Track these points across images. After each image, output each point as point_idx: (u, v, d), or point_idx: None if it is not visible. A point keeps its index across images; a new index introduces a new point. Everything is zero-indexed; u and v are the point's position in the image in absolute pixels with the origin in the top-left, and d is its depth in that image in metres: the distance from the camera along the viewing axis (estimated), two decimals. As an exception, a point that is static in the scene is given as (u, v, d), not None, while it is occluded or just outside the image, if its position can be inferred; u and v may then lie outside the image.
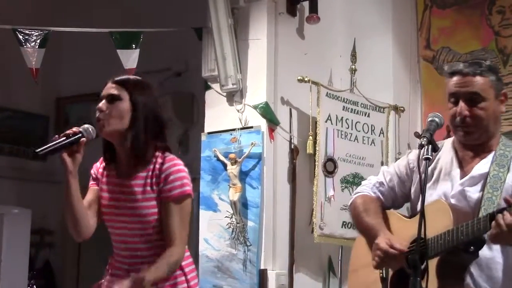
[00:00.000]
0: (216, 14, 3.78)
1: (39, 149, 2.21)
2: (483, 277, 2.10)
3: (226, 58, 3.81)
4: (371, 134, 4.18)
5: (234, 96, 3.93)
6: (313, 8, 4.04)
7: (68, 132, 2.26)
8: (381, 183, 2.42)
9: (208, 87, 4.05)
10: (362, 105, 4.16)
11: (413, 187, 2.35)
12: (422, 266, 1.96)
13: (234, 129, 3.87)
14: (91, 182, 2.45)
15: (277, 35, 3.96)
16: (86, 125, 2.29)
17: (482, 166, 2.18)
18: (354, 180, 3.99)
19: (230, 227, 3.79)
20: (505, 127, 4.08)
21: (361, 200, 2.41)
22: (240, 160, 3.78)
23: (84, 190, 2.42)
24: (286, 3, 4.03)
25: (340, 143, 4.02)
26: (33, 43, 3.94)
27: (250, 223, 3.74)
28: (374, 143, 4.18)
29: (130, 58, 4.02)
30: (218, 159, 3.87)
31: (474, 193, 2.14)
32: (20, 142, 5.96)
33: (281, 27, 3.99)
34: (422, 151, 2.07)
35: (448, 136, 3.75)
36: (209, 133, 3.98)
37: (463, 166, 2.22)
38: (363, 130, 4.15)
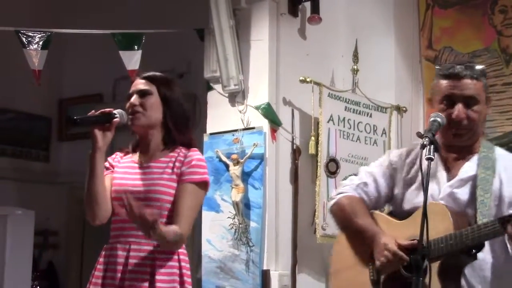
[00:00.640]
0: (217, 15, 3.79)
1: (77, 117, 2.33)
2: (476, 277, 2.12)
3: (228, 59, 3.81)
4: (373, 134, 4.18)
5: (236, 97, 3.93)
6: (315, 8, 4.04)
7: (104, 110, 2.36)
8: (365, 184, 2.38)
9: (210, 88, 4.05)
10: (364, 106, 4.16)
11: (396, 188, 2.34)
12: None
13: (236, 130, 3.87)
14: (105, 172, 2.47)
15: (279, 36, 3.96)
16: (120, 110, 2.39)
17: (469, 168, 2.21)
18: (356, 181, 3.98)
19: (232, 227, 3.80)
20: (507, 127, 4.10)
21: (347, 200, 2.36)
22: (242, 160, 3.78)
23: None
24: (287, 3, 4.03)
25: (342, 144, 4.02)
26: (36, 44, 3.95)
27: (252, 224, 3.74)
28: (376, 143, 4.18)
29: (132, 59, 4.03)
30: (220, 160, 3.88)
31: (463, 195, 2.17)
32: (23, 144, 5.98)
33: (283, 27, 3.99)
34: (424, 151, 2.07)
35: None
36: (211, 134, 3.98)
37: (449, 168, 2.24)
38: (365, 130, 4.15)
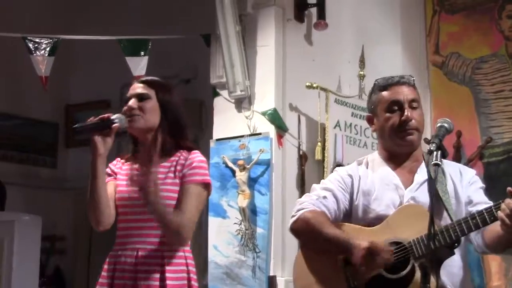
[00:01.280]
0: (224, 21, 3.79)
1: (77, 125, 2.32)
2: (444, 272, 2.16)
3: (234, 65, 3.81)
4: (380, 140, 4.17)
5: (242, 102, 3.93)
6: (321, 14, 4.04)
7: (103, 116, 2.35)
8: (324, 197, 2.36)
9: (217, 94, 4.05)
10: (371, 111, 4.15)
11: (355, 200, 2.36)
12: (405, 271, 2.10)
13: (242, 136, 3.87)
14: (108, 178, 2.48)
15: (285, 42, 3.96)
16: (119, 114, 2.37)
17: (421, 173, 2.31)
18: (363, 186, 3.98)
19: (239, 233, 3.79)
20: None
21: (311, 214, 2.32)
22: (248, 166, 3.78)
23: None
24: (294, 9, 4.04)
25: (349, 149, 4.01)
26: (43, 51, 3.97)
27: (259, 230, 3.73)
28: (383, 149, 4.17)
29: (139, 65, 4.04)
30: (227, 166, 3.87)
31: (423, 198, 2.25)
32: (30, 150, 5.99)
33: (289, 33, 3.99)
34: (431, 156, 2.07)
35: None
36: (217, 139, 3.98)
37: (401, 175, 2.33)
38: (372, 136, 4.14)
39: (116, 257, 2.39)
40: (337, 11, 4.28)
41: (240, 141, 3.87)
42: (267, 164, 3.75)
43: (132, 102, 2.41)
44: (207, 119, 4.83)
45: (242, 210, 3.76)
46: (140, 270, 2.31)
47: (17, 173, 5.81)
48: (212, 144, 3.98)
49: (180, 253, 2.37)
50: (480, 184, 2.35)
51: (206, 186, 2.43)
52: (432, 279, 2.03)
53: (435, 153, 2.03)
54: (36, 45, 3.96)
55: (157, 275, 2.30)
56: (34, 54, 3.96)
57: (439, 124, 2.19)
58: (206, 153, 4.10)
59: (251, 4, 3.93)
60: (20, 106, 5.82)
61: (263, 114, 3.84)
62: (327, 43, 4.23)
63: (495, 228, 2.11)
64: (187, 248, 2.41)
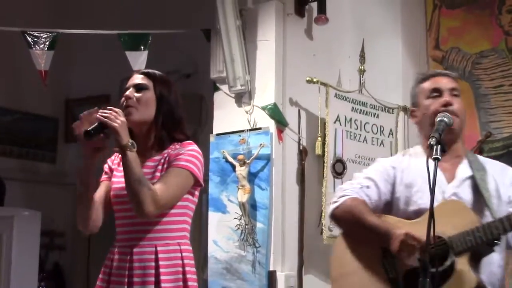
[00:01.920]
0: (224, 16, 3.78)
1: (89, 129, 2.24)
2: (484, 271, 2.16)
3: (234, 60, 3.80)
4: (380, 135, 4.17)
5: (242, 97, 3.92)
6: (322, 9, 4.03)
7: (100, 119, 2.27)
8: (367, 187, 2.38)
9: (217, 89, 4.05)
10: (371, 106, 4.15)
11: (397, 192, 2.35)
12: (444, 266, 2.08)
13: (242, 131, 3.86)
14: (103, 177, 2.48)
15: (286, 36, 3.95)
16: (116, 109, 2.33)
17: (464, 169, 2.31)
18: (363, 181, 3.97)
19: (239, 228, 3.79)
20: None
21: (353, 202, 2.34)
22: (248, 161, 3.77)
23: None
24: (294, 4, 4.02)
25: (349, 144, 4.00)
26: (42, 45, 3.95)
27: (259, 225, 3.73)
28: (383, 144, 4.17)
29: (138, 59, 4.03)
30: (227, 161, 3.87)
31: (465, 194, 2.25)
32: (29, 145, 5.99)
33: (290, 28, 3.98)
34: (431, 151, 2.07)
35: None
36: (217, 134, 3.97)
37: (443, 169, 2.29)
38: (372, 131, 4.14)
39: (113, 254, 2.39)
40: (338, 6, 4.27)
41: (240, 135, 3.86)
42: (267, 159, 3.75)
43: (130, 92, 2.42)
44: (207, 114, 4.82)
45: (242, 205, 3.76)
46: (135, 266, 2.31)
47: (17, 168, 5.81)
48: (212, 138, 3.98)
49: (176, 247, 2.35)
50: None
51: (190, 173, 2.33)
52: (472, 276, 2.03)
53: (435, 147, 2.02)
54: (35, 39, 3.95)
55: (152, 271, 2.29)
56: (34, 49, 3.95)
57: (438, 119, 2.20)
58: (206, 147, 4.10)
59: (251, -1, 3.93)
60: (20, 101, 5.82)
61: (263, 108, 3.84)
62: (327, 38, 4.22)
63: None
64: (184, 241, 2.39)
